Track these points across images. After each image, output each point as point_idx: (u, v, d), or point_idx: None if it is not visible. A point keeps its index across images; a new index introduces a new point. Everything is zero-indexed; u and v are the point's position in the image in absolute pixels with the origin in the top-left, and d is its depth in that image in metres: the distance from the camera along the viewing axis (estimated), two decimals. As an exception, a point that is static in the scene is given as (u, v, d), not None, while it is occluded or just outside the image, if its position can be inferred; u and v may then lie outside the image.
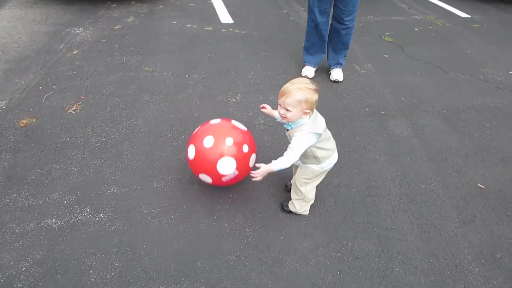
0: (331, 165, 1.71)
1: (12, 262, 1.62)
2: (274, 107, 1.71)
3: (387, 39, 4.12)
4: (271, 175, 2.12)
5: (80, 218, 1.84)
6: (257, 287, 1.58)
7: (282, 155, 1.55)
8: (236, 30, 4.16)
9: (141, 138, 2.41)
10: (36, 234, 1.75)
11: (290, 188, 1.91)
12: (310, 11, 2.94)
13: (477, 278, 1.64)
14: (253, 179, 1.57)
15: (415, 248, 1.77)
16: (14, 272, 1.58)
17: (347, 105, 2.88)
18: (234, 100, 2.86)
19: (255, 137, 1.94)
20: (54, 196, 1.95)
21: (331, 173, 1.89)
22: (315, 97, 1.47)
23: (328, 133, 1.65)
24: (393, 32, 4.32)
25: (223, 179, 1.74)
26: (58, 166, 2.15)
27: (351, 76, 3.29)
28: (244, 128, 1.85)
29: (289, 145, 1.55)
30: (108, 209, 1.90)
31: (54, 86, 2.91)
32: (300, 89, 1.45)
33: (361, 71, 3.40)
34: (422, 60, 3.67)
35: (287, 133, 1.63)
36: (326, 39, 3.12)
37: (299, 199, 1.83)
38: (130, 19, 4.31)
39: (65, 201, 1.93)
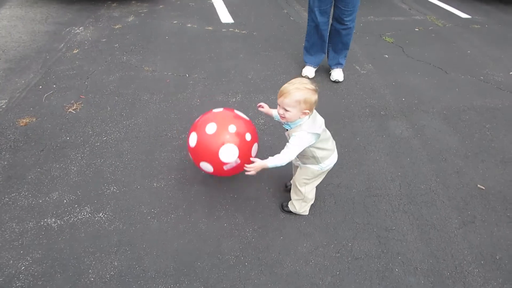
0: (331, 166, 1.70)
1: (11, 261, 1.62)
2: (274, 107, 1.71)
3: (387, 39, 4.12)
4: (271, 175, 2.14)
5: (79, 217, 1.84)
6: (256, 287, 1.58)
7: None
8: (236, 30, 4.16)
9: (141, 137, 2.41)
10: (36, 233, 1.75)
11: (290, 189, 1.90)
12: (311, 11, 2.93)
13: (477, 279, 1.64)
14: (246, 173, 1.56)
15: (415, 249, 1.77)
16: (13, 271, 1.58)
17: (347, 105, 2.88)
18: (234, 100, 2.86)
19: (255, 137, 1.94)
20: (53, 195, 1.95)
21: (331, 173, 1.89)
22: (314, 97, 1.46)
23: (328, 133, 1.65)
24: (394, 33, 4.32)
25: (225, 167, 1.70)
26: (58, 166, 2.14)
27: (351, 77, 3.29)
28: (247, 118, 1.83)
29: (287, 143, 1.54)
30: (108, 209, 1.89)
31: (54, 86, 2.91)
32: (298, 89, 1.45)
33: (362, 72, 3.39)
34: (423, 60, 3.67)
35: (286, 133, 1.62)
36: (327, 39, 3.12)
37: (299, 199, 1.82)
38: (131, 18, 4.31)
39: (65, 201, 1.93)
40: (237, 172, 1.81)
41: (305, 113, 1.48)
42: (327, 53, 3.23)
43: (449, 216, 1.95)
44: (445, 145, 2.48)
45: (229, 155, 1.65)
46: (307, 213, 1.90)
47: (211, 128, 1.67)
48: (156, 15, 4.44)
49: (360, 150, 2.40)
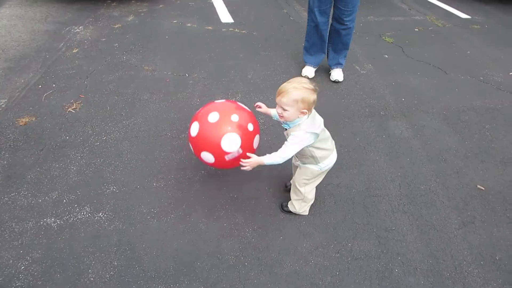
0: (330, 165, 1.70)
1: (11, 261, 1.62)
2: (274, 106, 1.70)
3: (387, 39, 4.12)
4: (271, 175, 2.14)
5: (79, 217, 1.84)
6: (256, 287, 1.58)
7: None
8: (236, 30, 4.16)
9: (140, 137, 2.40)
10: (35, 233, 1.75)
11: (290, 189, 1.90)
12: (310, 11, 2.93)
13: (477, 279, 1.64)
14: (241, 168, 1.56)
15: (415, 249, 1.77)
16: (13, 271, 1.58)
17: (347, 105, 2.88)
18: (234, 99, 2.86)
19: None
20: (53, 195, 1.95)
21: (331, 174, 1.89)
22: (312, 96, 1.46)
23: (327, 133, 1.65)
24: (393, 33, 4.32)
25: (226, 157, 1.64)
26: (57, 165, 2.14)
27: (351, 77, 3.29)
28: (249, 110, 1.81)
29: (285, 142, 1.54)
30: (108, 208, 1.89)
31: (54, 85, 2.90)
32: (296, 89, 1.45)
33: (361, 72, 3.40)
34: (422, 60, 3.67)
35: (285, 132, 1.62)
36: (326, 39, 3.12)
37: (299, 200, 1.82)
38: (130, 18, 4.31)
39: (65, 200, 1.92)
40: (238, 165, 1.74)
41: (303, 113, 1.47)
42: (327, 53, 3.23)
43: (448, 216, 1.95)
44: (444, 145, 2.49)
45: (231, 144, 1.61)
46: (307, 213, 1.90)
47: (213, 117, 1.64)
48: (156, 15, 4.44)
49: (360, 150, 2.40)
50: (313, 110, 1.56)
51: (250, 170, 1.57)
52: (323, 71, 3.33)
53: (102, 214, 1.86)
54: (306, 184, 1.75)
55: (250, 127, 1.69)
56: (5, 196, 1.93)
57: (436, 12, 5.14)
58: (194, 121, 1.71)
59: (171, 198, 1.98)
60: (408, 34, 4.30)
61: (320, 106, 2.72)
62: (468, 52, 3.93)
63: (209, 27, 4.18)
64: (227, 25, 4.29)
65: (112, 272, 1.60)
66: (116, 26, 4.05)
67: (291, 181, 1.94)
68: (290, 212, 1.90)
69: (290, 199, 1.89)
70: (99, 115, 2.59)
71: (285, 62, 3.49)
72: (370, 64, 3.53)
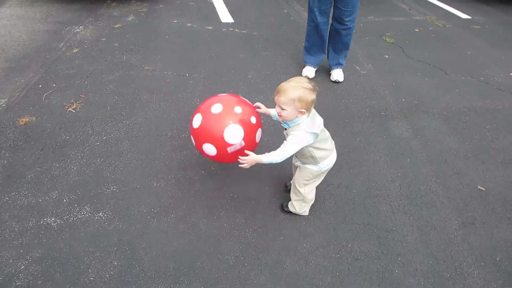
0: (330, 166, 1.70)
1: (11, 260, 1.62)
2: (274, 107, 1.70)
3: (387, 39, 4.12)
4: (271, 176, 2.14)
5: (79, 216, 1.84)
6: (256, 288, 1.58)
7: None
8: (236, 30, 4.16)
9: (141, 137, 2.40)
10: (35, 233, 1.75)
11: (290, 189, 1.90)
12: (310, 11, 2.93)
13: (477, 280, 1.64)
14: (240, 165, 1.55)
15: (415, 250, 1.77)
16: (13, 270, 1.58)
17: (347, 105, 2.88)
18: (234, 99, 2.86)
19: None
20: (53, 194, 1.95)
21: (331, 174, 1.89)
22: (310, 96, 1.45)
23: (327, 133, 1.64)
24: (394, 33, 4.32)
25: (229, 149, 1.61)
26: (57, 165, 2.14)
27: (351, 77, 3.29)
28: (251, 104, 1.79)
29: (284, 141, 1.54)
30: (108, 208, 1.89)
31: (54, 85, 2.90)
32: (294, 88, 1.45)
33: (362, 72, 3.39)
34: (423, 61, 3.67)
35: (284, 132, 1.62)
36: (326, 39, 3.12)
37: (299, 200, 1.82)
38: (130, 18, 4.30)
39: (65, 200, 1.92)
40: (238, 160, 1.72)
41: (301, 112, 1.47)
42: (327, 53, 3.23)
43: (449, 217, 1.95)
44: (445, 146, 2.48)
45: (234, 136, 1.59)
46: (307, 214, 1.90)
47: (216, 108, 1.62)
48: (156, 15, 4.44)
49: (360, 151, 2.40)
50: (313, 110, 1.56)
51: (248, 168, 1.57)
52: (323, 71, 3.33)
53: (102, 214, 1.86)
54: (306, 184, 1.74)
55: (253, 120, 1.68)
56: (5, 195, 1.93)
57: (437, 12, 5.14)
58: (196, 113, 1.70)
59: (171, 198, 1.98)
60: (409, 35, 4.30)
61: (320, 106, 2.73)
62: (469, 52, 3.93)
63: (209, 27, 4.18)
64: (227, 25, 4.29)
65: (112, 272, 1.60)
66: (116, 26, 4.05)
67: (291, 182, 1.94)
68: (290, 212, 1.90)
69: (290, 200, 1.88)
70: (99, 115, 2.59)
71: (285, 62, 3.49)
72: (370, 64, 3.53)
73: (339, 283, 1.61)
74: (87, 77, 3.03)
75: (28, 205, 1.88)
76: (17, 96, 2.73)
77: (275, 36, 4.04)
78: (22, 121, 2.47)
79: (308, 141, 1.53)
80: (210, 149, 1.65)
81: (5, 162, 2.14)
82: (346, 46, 3.09)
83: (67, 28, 3.90)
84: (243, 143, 1.62)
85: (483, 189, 2.14)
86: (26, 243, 1.70)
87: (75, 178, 2.06)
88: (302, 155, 1.63)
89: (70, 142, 2.32)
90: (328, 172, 1.74)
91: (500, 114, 2.87)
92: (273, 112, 1.71)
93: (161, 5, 4.74)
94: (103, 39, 3.71)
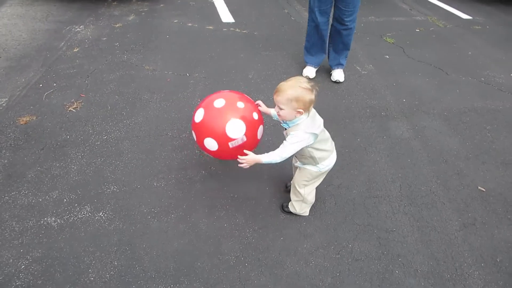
0: (330, 167, 1.70)
1: (11, 260, 1.62)
2: (274, 106, 1.70)
3: (388, 40, 4.12)
4: (271, 176, 2.13)
5: (79, 216, 1.84)
6: (256, 288, 1.58)
7: None
8: (237, 30, 4.15)
9: (141, 136, 2.40)
10: (36, 232, 1.75)
11: (290, 189, 1.90)
12: (311, 11, 2.93)
13: (477, 281, 1.64)
14: (239, 165, 1.55)
15: (415, 251, 1.77)
16: (13, 270, 1.58)
17: (348, 105, 2.87)
18: (235, 99, 2.85)
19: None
20: (53, 194, 1.95)
21: (331, 174, 1.89)
22: (308, 96, 1.45)
23: (326, 134, 1.64)
24: (394, 33, 4.32)
25: (230, 144, 1.61)
26: (58, 164, 2.14)
27: (352, 77, 3.28)
28: (253, 101, 1.80)
29: (284, 141, 1.53)
30: (108, 208, 1.89)
31: (55, 84, 2.90)
32: (292, 87, 1.45)
33: (362, 72, 3.39)
34: (423, 61, 3.66)
35: (284, 132, 1.62)
36: (327, 39, 3.12)
37: (299, 201, 1.82)
38: (131, 17, 4.30)
39: (65, 200, 1.92)
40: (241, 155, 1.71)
41: (299, 112, 1.47)
42: (328, 54, 3.23)
43: (449, 218, 1.95)
44: (445, 146, 2.48)
45: (236, 130, 1.59)
46: (307, 214, 1.90)
47: (219, 103, 1.63)
48: (157, 14, 4.44)
49: (361, 151, 2.40)
50: (314, 110, 1.56)
51: (247, 168, 1.56)
52: (324, 72, 3.32)
53: (102, 214, 1.86)
54: (305, 185, 1.74)
55: (255, 115, 1.68)
56: (6, 195, 1.93)
57: (437, 12, 5.14)
58: (199, 108, 1.70)
59: (172, 198, 1.98)
60: (409, 35, 4.30)
61: (321, 107, 2.73)
62: (469, 53, 3.93)
63: (210, 27, 4.17)
64: (228, 24, 4.29)
65: (112, 272, 1.60)
66: (117, 25, 4.04)
67: (291, 182, 1.94)
68: (290, 212, 1.90)
69: (290, 200, 1.88)
70: (99, 114, 2.59)
71: (286, 62, 3.48)
72: (371, 65, 3.53)
73: (340, 284, 1.61)
74: (88, 77, 3.03)
75: (29, 205, 1.88)
76: (17, 96, 2.73)
77: (275, 36, 4.04)
78: (23, 120, 2.47)
79: (308, 142, 1.52)
80: (211, 144, 1.64)
81: (6, 161, 2.14)
82: (346, 47, 3.09)
83: (67, 28, 3.90)
84: (245, 138, 1.62)
85: (484, 189, 2.14)
86: (27, 242, 1.70)
87: (75, 178, 2.06)
88: (301, 155, 1.63)
89: (70, 142, 2.32)
90: (329, 172, 1.74)
91: (500, 114, 2.87)
92: (273, 111, 1.71)
93: (161, 5, 4.74)
94: (104, 39, 3.71)
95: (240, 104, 1.65)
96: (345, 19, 2.84)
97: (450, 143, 2.52)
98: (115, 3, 4.71)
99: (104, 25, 4.02)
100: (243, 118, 1.61)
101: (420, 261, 1.72)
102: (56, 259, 1.63)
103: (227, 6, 4.84)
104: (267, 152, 1.53)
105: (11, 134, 2.35)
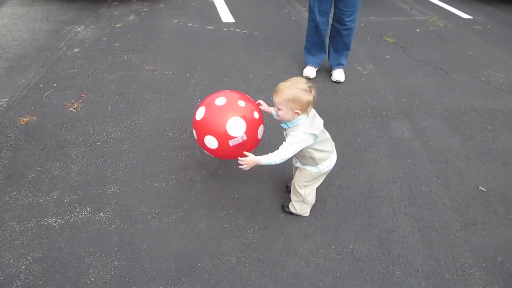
0: (330, 167, 1.69)
1: (12, 260, 1.62)
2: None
3: (388, 39, 4.12)
4: (272, 176, 2.13)
5: (80, 217, 1.84)
6: (257, 289, 1.58)
7: None
8: (237, 30, 4.15)
9: (142, 137, 2.40)
10: (36, 233, 1.75)
11: (291, 190, 1.90)
12: (311, 11, 2.93)
13: (478, 282, 1.64)
14: (239, 167, 1.55)
15: (416, 251, 1.76)
16: (13, 271, 1.58)
17: (348, 106, 2.87)
18: (235, 99, 2.85)
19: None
20: (54, 194, 1.95)
21: (332, 174, 1.89)
22: (306, 97, 1.44)
23: (326, 135, 1.64)
24: (395, 33, 4.31)
25: (230, 142, 1.61)
26: (58, 165, 2.14)
27: (352, 77, 3.28)
28: (254, 101, 1.81)
29: (283, 142, 1.53)
30: (108, 208, 1.89)
31: (55, 84, 2.90)
32: (289, 88, 1.45)
33: (363, 72, 3.39)
34: (424, 61, 3.66)
35: (284, 132, 1.61)
36: (326, 39, 3.11)
37: (299, 201, 1.82)
38: (131, 17, 4.30)
39: (65, 200, 1.92)
40: (241, 156, 1.68)
41: (296, 113, 1.46)
42: (328, 54, 3.23)
43: (450, 218, 1.95)
44: (446, 146, 2.48)
45: (236, 128, 1.59)
46: (307, 214, 1.90)
47: (220, 101, 1.64)
48: (157, 14, 4.44)
49: (361, 151, 2.39)
50: (313, 111, 1.56)
51: (248, 169, 1.56)
52: (325, 72, 3.32)
53: (103, 214, 1.86)
54: (306, 186, 1.74)
55: (256, 115, 1.69)
56: (6, 195, 1.93)
57: (438, 12, 5.13)
58: (200, 106, 1.71)
59: (172, 198, 1.98)
60: (410, 35, 4.30)
61: (321, 107, 2.73)
62: (470, 52, 3.93)
63: (210, 27, 4.17)
64: (228, 24, 4.28)
65: (113, 272, 1.60)
66: (117, 25, 4.04)
67: (291, 182, 1.94)
68: (291, 213, 1.90)
69: (291, 200, 1.88)
70: (100, 114, 2.59)
71: (286, 62, 3.48)
72: (371, 65, 3.53)
73: (340, 284, 1.61)
74: (88, 77, 3.03)
75: (29, 205, 1.88)
76: (18, 96, 2.73)
77: (276, 36, 4.04)
78: (23, 120, 2.47)
79: (308, 142, 1.52)
80: (211, 141, 1.65)
81: (6, 161, 2.14)
82: (347, 47, 3.09)
83: (68, 28, 3.90)
84: (245, 137, 1.62)
85: (485, 190, 2.14)
86: (27, 243, 1.70)
87: (76, 178, 2.06)
88: (301, 156, 1.63)
89: (71, 142, 2.32)
90: (329, 172, 1.74)
91: (501, 114, 2.86)
92: (274, 111, 1.71)
93: (162, 5, 4.74)
94: (104, 39, 3.71)
95: (241, 103, 1.66)
96: (345, 19, 2.84)
97: (450, 143, 2.52)
98: (116, 3, 4.70)
99: (105, 25, 4.02)
100: (243, 117, 1.62)
101: (421, 262, 1.71)
102: (57, 260, 1.63)
103: (228, 6, 4.84)
104: (268, 152, 1.53)
105: (11, 134, 2.35)
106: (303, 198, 1.77)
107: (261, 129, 1.74)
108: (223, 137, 1.62)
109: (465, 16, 5.03)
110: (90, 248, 1.69)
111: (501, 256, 1.76)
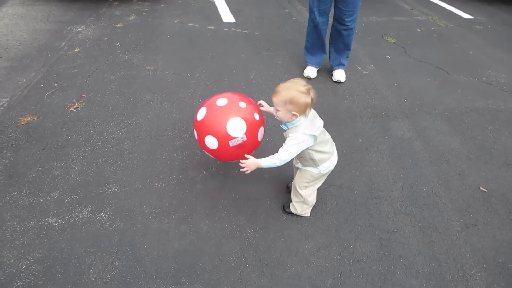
0: (331, 168, 1.69)
1: (12, 260, 1.62)
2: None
3: (389, 39, 4.11)
4: (273, 176, 2.13)
5: (80, 217, 1.84)
6: (257, 289, 1.58)
7: None
8: (238, 30, 4.15)
9: (142, 137, 2.40)
10: (37, 233, 1.75)
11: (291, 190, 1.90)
12: (310, 11, 2.93)
13: (479, 283, 1.64)
14: (241, 170, 1.56)
15: (417, 252, 1.76)
16: (14, 270, 1.58)
17: (349, 106, 2.87)
18: (236, 100, 2.85)
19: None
20: (55, 194, 1.95)
21: (333, 175, 1.88)
22: (303, 99, 1.44)
23: (327, 136, 1.64)
24: (396, 33, 4.31)
25: (231, 142, 1.63)
26: (59, 165, 2.14)
27: (353, 77, 3.28)
28: (256, 104, 1.82)
29: (283, 144, 1.53)
30: (109, 208, 1.89)
31: (56, 84, 2.90)
32: (287, 90, 1.45)
33: (364, 72, 3.38)
34: (425, 61, 3.66)
35: (284, 133, 1.61)
36: (325, 39, 3.11)
37: (300, 202, 1.81)
38: (132, 17, 4.30)
39: (66, 200, 1.92)
40: (238, 158, 1.71)
41: (294, 115, 1.46)
42: (329, 54, 3.22)
43: (451, 218, 1.95)
44: (447, 147, 2.48)
45: (237, 129, 1.61)
46: (308, 215, 1.90)
47: (222, 102, 1.67)
48: (158, 14, 4.43)
49: (362, 152, 2.39)
50: (313, 112, 1.56)
51: (249, 173, 1.57)
52: (325, 72, 3.32)
53: (103, 214, 1.86)
54: (306, 187, 1.74)
55: (257, 116, 1.71)
56: (7, 195, 1.93)
57: (439, 12, 5.13)
58: (201, 107, 1.74)
59: (173, 198, 1.97)
60: (411, 35, 4.29)
61: (322, 107, 2.73)
62: (471, 52, 3.92)
63: (211, 27, 4.17)
64: (229, 24, 4.28)
65: (113, 272, 1.60)
66: (118, 25, 4.04)
67: (292, 183, 1.94)
68: (291, 213, 1.90)
69: (291, 201, 1.88)
70: (100, 114, 2.59)
71: (287, 62, 3.48)
72: (372, 65, 3.52)
73: (341, 285, 1.60)
74: (89, 77, 3.03)
75: (30, 205, 1.88)
76: (18, 96, 2.73)
77: (276, 36, 4.04)
78: (24, 120, 2.47)
79: (307, 144, 1.52)
80: (212, 142, 1.66)
81: (7, 161, 2.14)
82: (347, 47, 3.08)
83: (68, 28, 3.90)
84: (245, 138, 1.64)
85: (486, 190, 2.14)
86: (28, 243, 1.70)
87: (76, 178, 2.06)
88: (301, 157, 1.63)
89: (71, 142, 2.32)
90: (330, 173, 1.74)
91: (502, 114, 2.86)
92: (274, 111, 1.71)
93: (162, 5, 4.74)
94: (105, 39, 3.70)
95: (242, 104, 1.68)
96: (346, 19, 2.84)
97: (451, 143, 2.51)
98: (116, 3, 4.70)
99: (105, 25, 4.02)
100: (244, 118, 1.64)
101: (421, 262, 1.71)
102: (57, 260, 1.63)
103: (228, 6, 4.83)
104: (269, 153, 1.53)
105: (12, 134, 2.35)
106: (304, 198, 1.77)
107: (261, 131, 1.75)
108: (223, 137, 1.63)
109: (466, 16, 5.02)
110: (90, 248, 1.69)
111: (502, 257, 1.76)
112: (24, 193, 1.95)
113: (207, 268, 1.64)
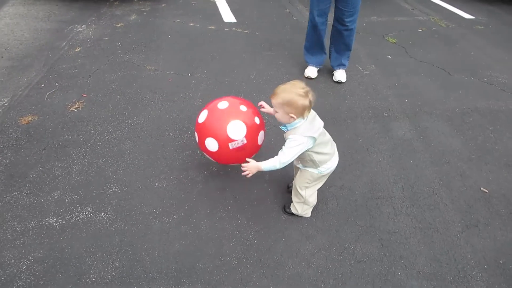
0: (331, 169, 1.68)
1: (13, 260, 1.62)
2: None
3: (390, 40, 4.11)
4: (273, 177, 2.13)
5: (81, 217, 1.84)
6: (258, 290, 1.57)
7: None
8: (239, 29, 4.15)
9: (143, 137, 2.40)
10: (37, 233, 1.75)
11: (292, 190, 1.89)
12: (310, 11, 2.93)
13: (480, 283, 1.63)
14: (242, 174, 1.56)
15: (418, 252, 1.76)
16: (14, 270, 1.58)
17: (350, 106, 2.86)
18: (236, 100, 2.85)
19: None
20: (55, 194, 1.95)
21: (333, 175, 1.88)
22: (301, 101, 1.43)
23: (327, 136, 1.63)
24: (397, 33, 4.30)
25: (231, 145, 1.65)
26: (59, 165, 2.14)
27: (354, 77, 3.27)
28: (257, 108, 1.85)
29: (283, 146, 1.53)
30: (110, 209, 1.89)
31: (57, 84, 2.90)
32: (285, 91, 1.45)
33: (364, 72, 3.38)
34: (426, 61, 3.65)
35: (284, 135, 1.61)
36: (324, 39, 3.10)
37: (300, 202, 1.81)
38: (133, 17, 4.30)
39: (67, 200, 1.92)
40: (238, 161, 1.74)
41: (292, 117, 1.46)
42: (330, 54, 3.22)
43: (452, 219, 1.94)
44: (448, 147, 2.47)
45: (237, 131, 1.64)
46: (309, 215, 1.89)
47: (223, 105, 1.71)
48: (159, 14, 4.43)
49: (363, 152, 2.39)
50: (313, 113, 1.55)
51: (251, 176, 1.57)
52: (326, 72, 3.31)
53: (104, 214, 1.86)
54: (307, 187, 1.73)
55: (257, 120, 1.73)
56: (7, 195, 1.93)
57: (440, 12, 5.12)
58: (203, 110, 1.78)
59: (173, 198, 1.97)
60: (412, 35, 4.29)
61: (323, 107, 2.73)
62: (472, 53, 3.91)
63: (212, 27, 4.17)
64: (230, 24, 4.28)
65: (114, 272, 1.60)
66: (119, 25, 4.04)
67: (292, 183, 1.93)
68: (292, 214, 1.89)
69: (292, 201, 1.87)
70: (101, 114, 2.59)
71: (288, 62, 3.48)
72: (373, 65, 3.52)
73: (341, 285, 1.60)
74: (90, 77, 3.03)
75: (30, 205, 1.88)
76: (19, 95, 2.73)
77: (277, 36, 4.03)
78: (25, 120, 2.47)
79: (307, 145, 1.51)
80: (212, 144, 1.69)
81: (7, 161, 2.14)
82: (348, 47, 3.08)
83: (69, 27, 3.90)
84: (245, 141, 1.66)
85: (487, 191, 2.13)
86: (28, 243, 1.70)
87: (77, 178, 2.06)
88: (302, 158, 1.63)
89: (72, 142, 2.32)
90: (331, 173, 1.73)
91: (503, 115, 2.85)
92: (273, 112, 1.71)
93: (163, 5, 4.74)
94: (106, 38, 3.71)
95: (243, 108, 1.71)
96: (346, 19, 2.83)
97: (452, 144, 2.51)
98: (117, 2, 4.71)
99: (106, 25, 4.02)
100: (244, 121, 1.67)
101: (422, 263, 1.71)
102: (58, 260, 1.63)
103: (229, 6, 4.83)
104: (270, 154, 1.53)
105: (13, 134, 2.35)
106: (304, 199, 1.76)
107: (261, 135, 1.77)
108: (224, 140, 1.65)
109: (467, 16, 5.01)
110: (91, 248, 1.69)
111: (503, 258, 1.75)
112: (24, 193, 1.95)
113: (207, 268, 1.64)
